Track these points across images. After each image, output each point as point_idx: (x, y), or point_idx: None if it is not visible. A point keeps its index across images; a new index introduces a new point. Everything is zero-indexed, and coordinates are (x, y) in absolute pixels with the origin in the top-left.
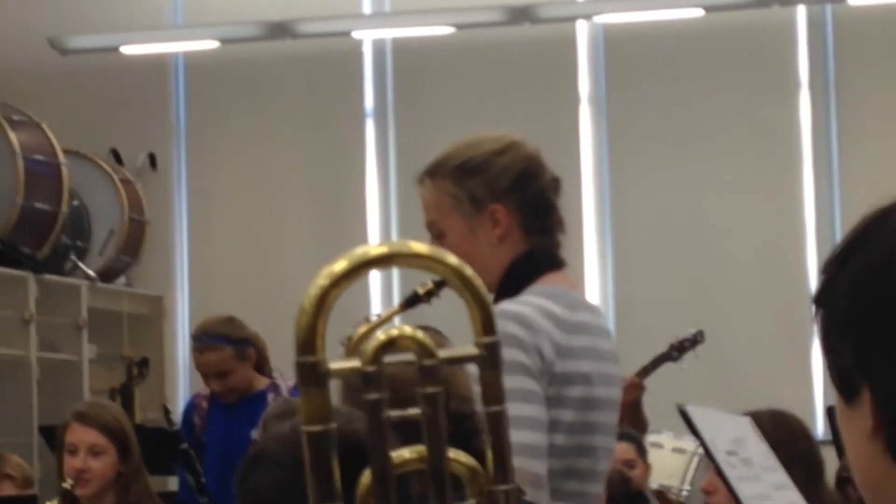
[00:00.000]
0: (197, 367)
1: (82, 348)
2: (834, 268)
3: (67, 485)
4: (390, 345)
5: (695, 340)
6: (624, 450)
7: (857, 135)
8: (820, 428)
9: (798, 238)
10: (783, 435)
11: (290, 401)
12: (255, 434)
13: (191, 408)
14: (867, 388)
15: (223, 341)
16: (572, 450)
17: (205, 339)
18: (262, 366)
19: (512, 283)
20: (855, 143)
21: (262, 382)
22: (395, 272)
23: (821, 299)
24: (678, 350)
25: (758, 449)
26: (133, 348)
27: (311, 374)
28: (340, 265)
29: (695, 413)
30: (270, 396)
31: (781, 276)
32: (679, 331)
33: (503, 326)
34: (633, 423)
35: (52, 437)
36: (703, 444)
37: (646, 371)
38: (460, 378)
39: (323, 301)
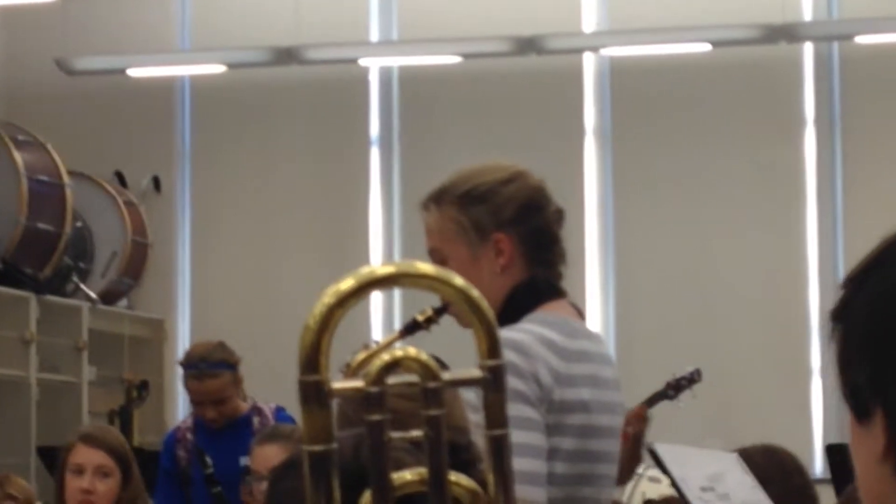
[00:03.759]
0: (194, 395)
1: (82, 370)
2: (853, 285)
3: None
4: (394, 366)
5: (692, 379)
6: None
7: (862, 173)
8: (818, 466)
9: (800, 275)
10: (775, 470)
11: (277, 426)
12: (244, 461)
13: (172, 441)
14: (880, 409)
15: (223, 367)
16: (573, 478)
17: (204, 365)
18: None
19: (512, 310)
20: (859, 181)
21: (243, 407)
22: (398, 299)
23: (838, 315)
24: (675, 389)
25: (740, 484)
26: (133, 371)
27: (314, 393)
28: (347, 284)
29: (664, 451)
30: (256, 420)
31: (783, 313)
32: (679, 364)
33: None
34: (631, 456)
35: (50, 457)
36: (672, 481)
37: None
38: (456, 409)
39: (328, 319)
